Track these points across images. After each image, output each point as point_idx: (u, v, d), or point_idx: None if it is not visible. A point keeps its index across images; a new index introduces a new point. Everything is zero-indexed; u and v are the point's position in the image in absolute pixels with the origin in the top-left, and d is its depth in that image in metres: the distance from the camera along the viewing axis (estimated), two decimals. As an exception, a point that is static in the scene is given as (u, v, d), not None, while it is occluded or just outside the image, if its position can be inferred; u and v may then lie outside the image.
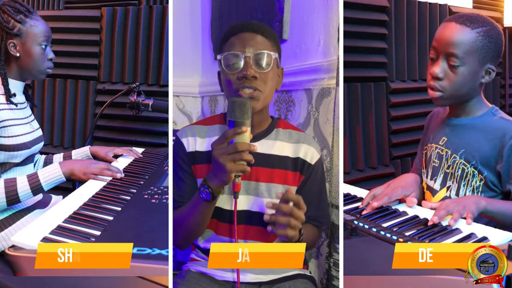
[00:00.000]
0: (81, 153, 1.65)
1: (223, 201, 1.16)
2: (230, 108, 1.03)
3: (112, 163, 1.53)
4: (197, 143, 1.21)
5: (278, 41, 1.21)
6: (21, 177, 1.34)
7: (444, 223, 1.06)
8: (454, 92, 1.18)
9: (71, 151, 1.67)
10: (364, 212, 1.15)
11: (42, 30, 1.44)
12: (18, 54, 1.41)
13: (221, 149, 1.01)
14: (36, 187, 1.34)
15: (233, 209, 1.15)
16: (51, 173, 1.38)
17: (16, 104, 1.41)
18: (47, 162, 1.64)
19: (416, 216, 1.12)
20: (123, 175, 1.41)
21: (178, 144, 1.23)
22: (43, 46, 1.44)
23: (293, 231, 1.00)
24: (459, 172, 1.20)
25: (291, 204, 1.00)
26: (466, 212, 1.05)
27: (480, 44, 1.14)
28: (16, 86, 1.44)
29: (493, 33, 1.16)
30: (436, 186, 1.26)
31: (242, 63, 1.12)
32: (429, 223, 1.06)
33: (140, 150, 1.77)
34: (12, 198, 1.31)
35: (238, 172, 1.02)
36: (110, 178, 1.39)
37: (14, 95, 1.42)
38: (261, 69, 1.13)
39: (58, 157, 1.66)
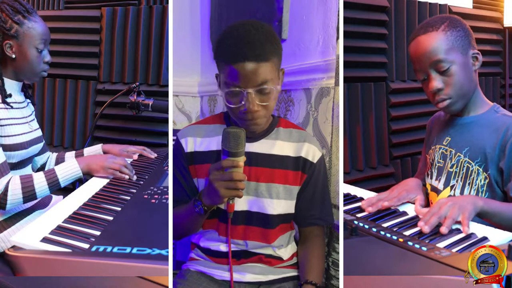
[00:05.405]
0: (93, 151, 1.64)
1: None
2: (224, 138, 1.04)
3: (128, 160, 1.53)
4: (196, 143, 1.22)
5: (280, 49, 1.12)
6: (37, 173, 1.33)
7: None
8: (460, 91, 1.19)
9: (83, 149, 1.66)
10: (366, 209, 1.14)
11: (40, 33, 1.40)
12: (14, 56, 1.38)
13: (217, 175, 1.05)
14: (53, 183, 1.34)
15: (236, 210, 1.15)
16: (69, 168, 1.37)
17: (10, 104, 1.39)
18: (58, 160, 1.63)
19: (416, 216, 1.12)
20: (135, 178, 1.41)
21: (177, 145, 1.24)
22: (40, 49, 1.41)
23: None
24: (464, 171, 1.20)
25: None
26: (462, 214, 1.01)
27: (452, 37, 1.18)
28: (12, 86, 1.43)
29: (454, 23, 1.20)
30: (440, 185, 1.26)
31: (244, 99, 1.08)
32: (421, 228, 1.01)
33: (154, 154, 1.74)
34: (29, 194, 1.30)
35: (231, 197, 1.07)
36: (127, 177, 1.39)
37: (10, 95, 1.40)
38: (263, 101, 1.09)
39: (70, 155, 1.65)
